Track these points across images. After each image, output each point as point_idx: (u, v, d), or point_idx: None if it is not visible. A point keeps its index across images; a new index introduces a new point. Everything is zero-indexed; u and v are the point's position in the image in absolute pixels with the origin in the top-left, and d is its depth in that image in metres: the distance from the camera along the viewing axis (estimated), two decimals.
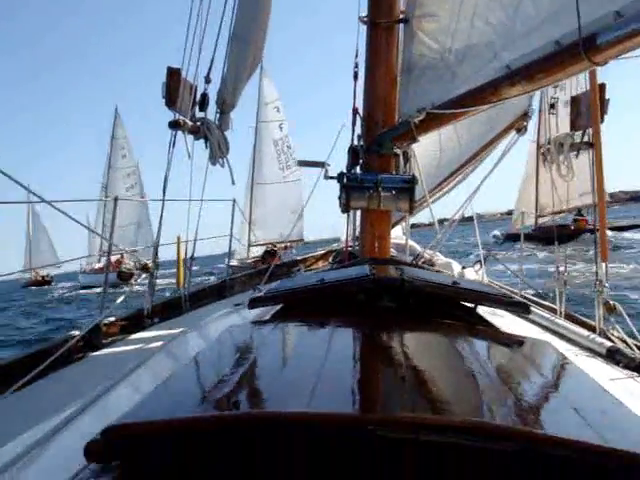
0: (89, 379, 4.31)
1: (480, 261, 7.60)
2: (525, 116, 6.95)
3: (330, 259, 9.52)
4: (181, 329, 5.37)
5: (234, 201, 7.23)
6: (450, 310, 2.81)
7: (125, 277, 44.65)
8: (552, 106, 6.52)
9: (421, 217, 7.46)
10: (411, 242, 7.52)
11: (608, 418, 1.60)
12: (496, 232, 39.28)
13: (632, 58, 3.69)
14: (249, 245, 36.51)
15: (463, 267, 7.53)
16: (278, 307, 2.96)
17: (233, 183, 6.15)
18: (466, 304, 2.92)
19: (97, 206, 50.19)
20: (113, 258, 46.29)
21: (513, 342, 2.40)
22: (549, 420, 1.55)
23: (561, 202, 31.05)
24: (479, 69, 4.99)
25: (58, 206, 4.67)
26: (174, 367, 2.16)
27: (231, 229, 7.37)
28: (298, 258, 9.47)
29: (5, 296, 48.25)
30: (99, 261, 48.84)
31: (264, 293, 2.96)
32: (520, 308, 3.07)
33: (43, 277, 58.20)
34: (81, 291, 45.79)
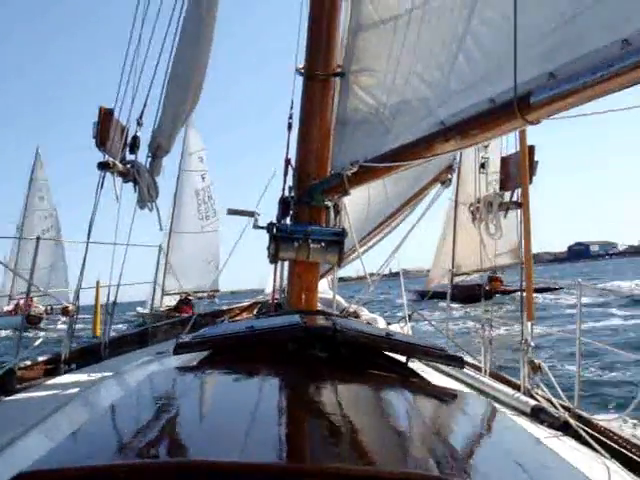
0: (1, 424, 4.16)
1: (405, 317, 7.61)
2: (449, 169, 7.06)
3: (255, 311, 9.45)
4: (100, 375, 5.22)
5: (160, 247, 7.15)
6: (381, 362, 2.77)
7: (33, 321, 43.93)
8: (482, 165, 6.63)
9: (348, 270, 7.44)
10: (337, 297, 7.50)
11: (529, 471, 1.57)
12: (414, 289, 39.54)
13: (562, 118, 3.75)
14: (163, 294, 36.46)
15: (388, 323, 7.54)
16: (204, 354, 2.87)
17: (161, 229, 6.08)
18: (396, 357, 2.89)
19: (11, 247, 49.43)
20: (23, 301, 45.62)
21: (444, 395, 2.37)
22: (478, 470, 1.51)
23: (477, 263, 31.63)
24: (413, 124, 5.03)
25: None
26: (91, 414, 2.05)
27: (155, 275, 7.27)
28: (223, 308, 9.36)
29: None
30: (8, 304, 47.73)
31: (190, 339, 2.85)
32: (454, 361, 3.04)
33: None
34: None
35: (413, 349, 2.91)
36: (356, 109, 5.56)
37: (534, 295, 6.78)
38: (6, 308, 47.74)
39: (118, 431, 1.71)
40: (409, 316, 7.80)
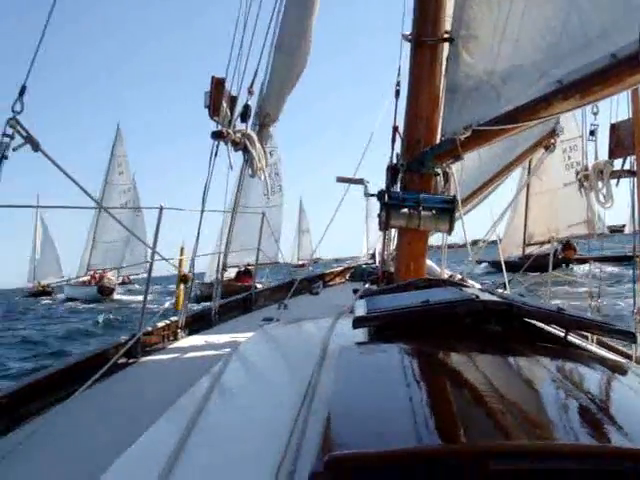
0: (145, 383, 4.29)
1: (505, 284, 7.56)
2: (553, 133, 6.94)
3: (347, 276, 9.53)
4: (216, 339, 5.34)
5: (264, 214, 7.21)
6: (549, 336, 2.75)
7: (106, 292, 44.88)
8: (592, 133, 6.50)
9: (437, 238, 7.37)
10: (430, 263, 7.46)
11: None
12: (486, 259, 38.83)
13: None
14: (222, 267, 36.49)
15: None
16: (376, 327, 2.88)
17: (268, 198, 6.11)
18: (557, 331, 2.86)
19: (91, 221, 50.68)
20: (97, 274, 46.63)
21: (622, 369, 2.35)
22: None
23: (549, 232, 31.11)
24: (526, 87, 4.97)
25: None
26: (338, 391, 2.03)
27: (259, 241, 7.32)
28: (318, 273, 9.46)
29: None
30: (86, 274, 48.82)
31: (366, 312, 2.86)
32: (626, 336, 3.01)
33: (44, 287, 57.68)
34: (66, 304, 45.24)
35: (587, 324, 2.88)
36: (466, 75, 5.50)
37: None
38: (83, 278, 48.81)
39: (387, 412, 1.71)
40: (504, 284, 7.74)
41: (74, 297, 46.69)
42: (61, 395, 3.66)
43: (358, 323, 2.76)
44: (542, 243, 33.06)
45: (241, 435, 1.99)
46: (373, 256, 11.09)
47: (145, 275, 6.40)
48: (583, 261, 35.64)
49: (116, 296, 46.30)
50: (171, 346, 5.15)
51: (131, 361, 4.59)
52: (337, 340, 2.98)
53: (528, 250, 37.85)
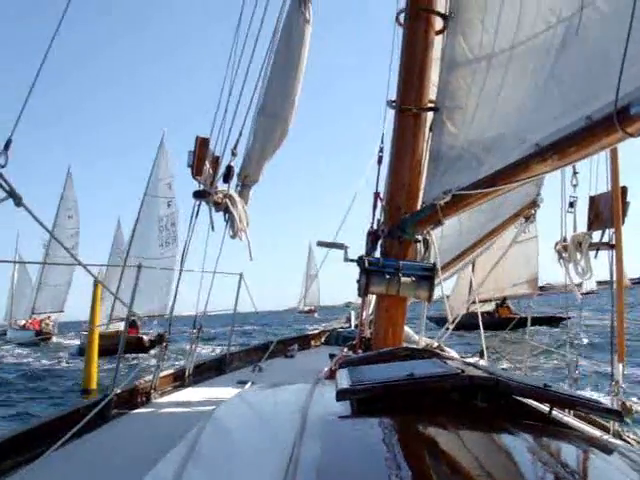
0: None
1: (482, 352, 7.53)
2: (534, 204, 7.00)
3: (323, 339, 9.48)
4: (187, 402, 5.26)
5: (241, 275, 7.16)
6: (534, 412, 2.71)
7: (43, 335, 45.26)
8: (571, 204, 6.56)
9: None
10: (407, 329, 7.43)
11: None
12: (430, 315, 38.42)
13: None
14: (110, 319, 36.76)
15: (462, 357, 7.45)
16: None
17: (251, 259, 6.09)
18: (541, 407, 2.82)
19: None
20: (39, 318, 47.35)
21: (615, 451, 2.32)
22: None
23: (495, 290, 31.19)
24: (507, 155, 5.01)
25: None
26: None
27: (236, 301, 7.26)
28: (294, 336, 9.44)
29: None
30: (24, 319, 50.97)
31: (350, 385, 2.79)
32: (613, 415, 2.97)
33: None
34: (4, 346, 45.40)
35: (573, 402, 2.84)
36: (450, 145, 5.56)
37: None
38: (23, 322, 50.87)
39: None
40: (480, 352, 7.71)
41: (13, 340, 46.92)
42: (26, 457, 3.56)
43: (342, 396, 2.70)
44: (486, 301, 33.17)
45: None
46: (349, 320, 11.06)
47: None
48: (512, 320, 35.69)
49: (55, 339, 47.07)
50: (143, 409, 5.05)
51: (103, 422, 4.50)
52: (317, 410, 2.91)
53: (472, 308, 37.80)
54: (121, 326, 37.34)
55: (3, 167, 3.22)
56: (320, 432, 2.30)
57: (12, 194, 3.24)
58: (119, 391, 4.85)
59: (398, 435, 2.20)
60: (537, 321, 35.87)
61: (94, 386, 17.90)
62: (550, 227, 7.31)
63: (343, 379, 2.97)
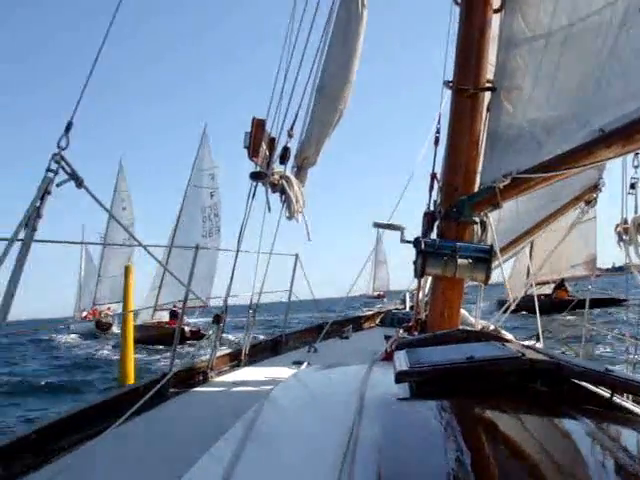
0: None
1: (538, 335, 7.44)
2: (595, 188, 6.88)
3: (377, 321, 9.47)
4: (242, 380, 5.30)
5: (297, 256, 7.18)
6: (595, 397, 2.66)
7: (103, 327, 45.80)
8: (632, 186, 6.44)
9: None
10: (463, 311, 7.37)
11: None
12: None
13: None
14: (155, 308, 37.16)
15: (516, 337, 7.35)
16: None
17: (309, 239, 6.09)
18: (601, 392, 2.76)
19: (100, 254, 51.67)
20: (99, 309, 47.99)
21: None
22: None
23: (553, 272, 30.64)
24: (568, 137, 4.94)
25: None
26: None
27: (292, 282, 7.29)
28: (349, 317, 9.43)
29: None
30: (86, 310, 52.17)
31: (409, 367, 2.77)
32: None
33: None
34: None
35: (637, 387, 2.77)
36: (508, 125, 5.48)
37: None
38: (84, 314, 51.85)
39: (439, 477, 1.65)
40: (536, 336, 7.62)
41: (74, 331, 48.09)
42: (89, 433, 3.62)
43: (400, 378, 2.68)
44: (543, 284, 32.64)
45: None
46: (403, 301, 11.03)
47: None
48: (570, 302, 34.97)
49: (115, 329, 46.86)
50: (201, 387, 5.11)
51: (161, 400, 4.56)
52: (374, 392, 2.90)
53: (529, 291, 37.13)
54: (164, 317, 38.08)
55: (64, 149, 3.25)
56: (379, 414, 2.29)
57: (74, 176, 3.28)
58: (177, 370, 4.90)
59: (458, 418, 2.17)
60: (595, 303, 35.30)
61: (132, 381, 15.64)
62: (609, 208, 7.16)
63: (402, 361, 2.95)
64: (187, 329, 34.05)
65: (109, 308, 49.53)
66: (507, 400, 2.36)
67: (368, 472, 1.76)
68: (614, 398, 2.61)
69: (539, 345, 7.18)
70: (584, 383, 2.66)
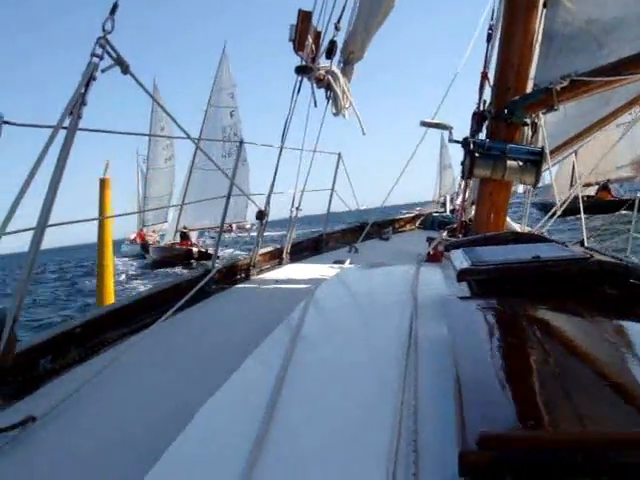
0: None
1: (582, 241, 7.29)
2: None
3: (417, 223, 9.40)
4: (284, 277, 5.28)
5: (339, 155, 7.04)
6: None
7: (148, 249, 46.21)
8: None
9: None
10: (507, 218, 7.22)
11: None
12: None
13: None
14: (176, 230, 37.52)
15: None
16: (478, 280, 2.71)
17: (364, 133, 5.96)
18: None
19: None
20: (145, 230, 47.85)
21: None
22: None
23: (598, 174, 30.17)
24: (631, 40, 4.70)
25: None
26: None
27: (334, 181, 7.17)
28: (389, 219, 9.31)
29: None
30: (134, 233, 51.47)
31: (471, 265, 2.67)
32: None
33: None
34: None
35: None
36: (565, 22, 5.24)
37: None
38: (133, 236, 51.13)
39: (521, 384, 1.56)
40: (581, 242, 7.47)
41: (126, 254, 48.80)
42: (132, 328, 3.61)
43: (463, 276, 2.58)
44: (587, 185, 32.24)
45: (351, 378, 1.89)
46: (444, 204, 10.91)
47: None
48: (618, 203, 34.51)
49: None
50: (243, 284, 5.08)
51: (205, 297, 4.53)
52: (427, 291, 2.84)
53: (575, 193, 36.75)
54: (168, 238, 38.50)
55: (109, 33, 3.11)
56: (441, 312, 2.21)
57: (119, 61, 3.15)
58: (220, 267, 4.87)
59: (527, 319, 2.09)
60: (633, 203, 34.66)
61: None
62: None
63: (460, 259, 2.86)
64: (195, 250, 35.10)
65: (154, 230, 49.56)
66: (578, 302, 2.26)
67: (434, 368, 1.74)
68: None
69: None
70: None
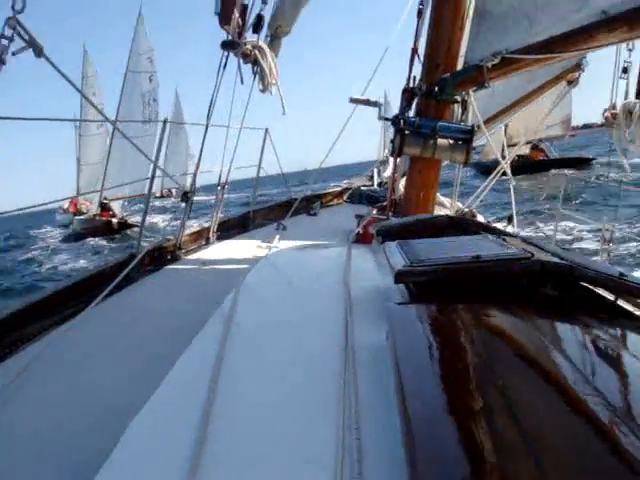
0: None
1: (510, 217, 7.31)
2: (578, 67, 6.57)
3: (345, 197, 9.30)
4: (214, 257, 5.16)
5: (266, 130, 6.89)
6: (599, 301, 2.50)
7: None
8: (624, 70, 6.17)
9: None
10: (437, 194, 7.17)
11: None
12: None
13: None
14: (100, 201, 37.05)
15: (488, 221, 7.23)
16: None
17: (284, 113, 5.83)
18: (607, 295, 2.60)
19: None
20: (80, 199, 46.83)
21: None
22: None
23: (527, 133, 30.67)
24: (564, 16, 4.64)
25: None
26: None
27: (260, 157, 7.00)
28: (318, 193, 9.17)
29: None
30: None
31: (407, 266, 2.56)
32: None
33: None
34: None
35: None
36: (497, 0, 5.16)
37: None
38: (66, 205, 48.80)
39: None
40: (509, 218, 7.49)
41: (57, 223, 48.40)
42: (56, 319, 3.46)
43: (401, 278, 2.48)
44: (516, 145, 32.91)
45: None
46: (371, 178, 10.81)
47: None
48: (549, 162, 35.35)
49: None
50: (171, 266, 4.94)
51: (133, 280, 4.39)
52: (360, 281, 2.77)
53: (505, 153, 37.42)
54: (93, 210, 37.89)
55: (20, 12, 2.91)
56: (377, 312, 2.14)
57: (32, 43, 2.96)
58: (145, 250, 4.72)
59: (470, 325, 2.00)
60: (563, 163, 35.49)
61: None
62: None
63: (397, 257, 2.75)
64: (115, 221, 34.67)
65: (86, 199, 48.52)
66: (520, 305, 2.19)
67: (373, 381, 1.70)
68: (619, 302, 2.47)
69: (511, 228, 7.07)
70: (592, 287, 2.51)
